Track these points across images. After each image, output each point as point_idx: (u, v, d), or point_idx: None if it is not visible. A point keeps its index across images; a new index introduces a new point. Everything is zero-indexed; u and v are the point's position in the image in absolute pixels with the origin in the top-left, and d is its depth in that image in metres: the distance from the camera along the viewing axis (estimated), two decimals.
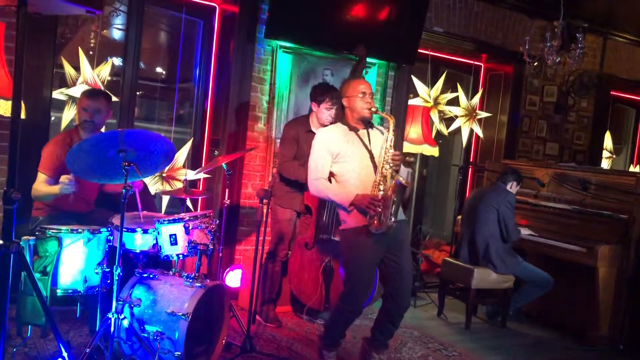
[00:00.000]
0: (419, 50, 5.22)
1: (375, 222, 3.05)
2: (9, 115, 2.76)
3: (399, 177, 3.06)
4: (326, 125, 4.01)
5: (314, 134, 4.06)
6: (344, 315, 3.28)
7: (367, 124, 3.26)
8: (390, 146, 3.11)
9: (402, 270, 3.24)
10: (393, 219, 3.06)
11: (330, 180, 3.23)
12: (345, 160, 3.17)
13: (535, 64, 5.63)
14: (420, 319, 4.65)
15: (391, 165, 3.08)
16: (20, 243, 2.35)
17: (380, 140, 3.19)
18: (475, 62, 6.15)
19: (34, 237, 2.89)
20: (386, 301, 3.31)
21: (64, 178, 3.10)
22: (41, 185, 3.24)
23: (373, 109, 3.19)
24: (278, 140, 4.53)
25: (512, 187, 4.60)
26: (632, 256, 4.33)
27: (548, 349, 4.31)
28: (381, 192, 3.06)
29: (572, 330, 4.57)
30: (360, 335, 3.68)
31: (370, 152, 3.19)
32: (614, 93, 7.05)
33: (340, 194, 3.14)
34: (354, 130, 3.23)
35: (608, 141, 7.16)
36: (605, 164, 7.16)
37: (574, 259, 4.43)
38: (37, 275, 2.78)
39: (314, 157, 3.22)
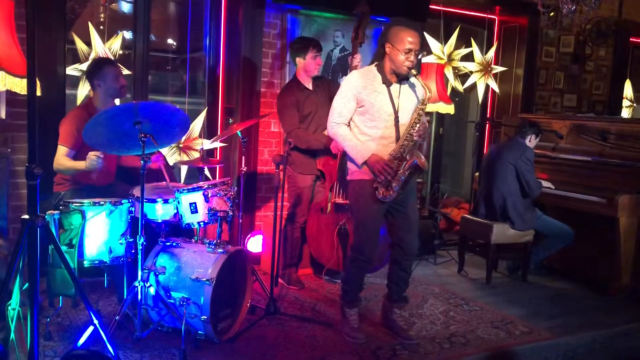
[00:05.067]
0: (431, 6, 5.12)
1: (382, 190, 3.11)
2: (25, 93, 2.80)
3: (419, 156, 3.04)
4: (316, 76, 4.03)
5: (309, 90, 4.05)
6: (357, 264, 3.31)
7: (402, 79, 3.15)
8: (419, 120, 3.08)
9: (409, 218, 3.29)
10: (399, 191, 3.09)
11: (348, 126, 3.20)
12: (369, 116, 3.12)
13: (551, 14, 5.48)
14: (440, 276, 4.69)
15: (415, 138, 3.08)
16: (45, 217, 2.41)
17: (411, 97, 3.16)
18: (489, 16, 6.02)
19: (58, 212, 2.96)
20: (394, 250, 3.36)
21: (92, 154, 3.14)
22: (64, 158, 3.29)
23: (413, 71, 3.05)
24: None
25: (531, 140, 4.52)
26: None
27: (569, 300, 4.33)
28: (395, 162, 3.08)
29: (594, 282, 4.57)
30: (382, 293, 3.74)
31: (396, 113, 3.13)
32: (634, 40, 6.84)
33: (357, 150, 3.13)
34: (387, 83, 3.13)
35: (628, 90, 6.99)
36: (625, 113, 7.01)
37: (595, 210, 4.41)
38: (63, 248, 2.86)
39: (339, 98, 3.18)
